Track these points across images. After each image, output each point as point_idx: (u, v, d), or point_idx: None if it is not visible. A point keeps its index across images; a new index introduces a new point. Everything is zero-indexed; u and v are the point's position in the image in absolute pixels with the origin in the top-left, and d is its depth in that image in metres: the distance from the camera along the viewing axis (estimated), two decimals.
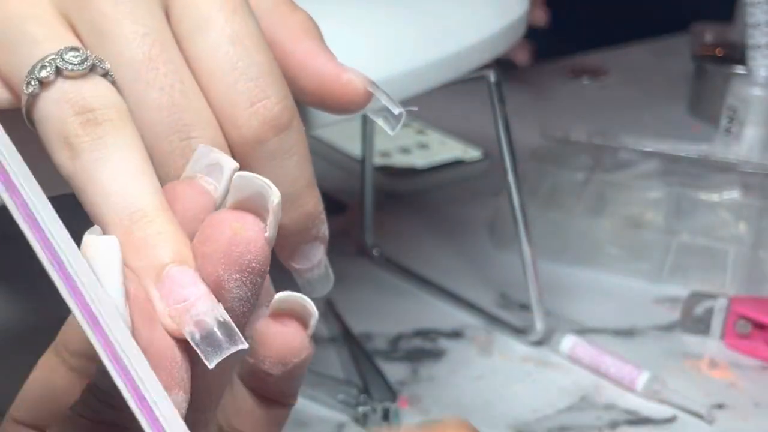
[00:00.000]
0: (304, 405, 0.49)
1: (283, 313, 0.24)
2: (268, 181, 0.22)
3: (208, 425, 0.25)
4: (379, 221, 0.65)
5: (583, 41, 1.06)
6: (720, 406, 0.51)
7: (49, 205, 0.22)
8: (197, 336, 0.22)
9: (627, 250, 0.64)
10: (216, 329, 0.22)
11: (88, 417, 0.22)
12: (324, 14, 0.29)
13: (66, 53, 0.24)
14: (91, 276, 0.21)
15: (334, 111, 0.29)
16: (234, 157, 0.26)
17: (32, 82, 0.23)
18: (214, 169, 0.24)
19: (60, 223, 0.21)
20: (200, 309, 0.22)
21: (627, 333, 0.58)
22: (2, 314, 0.53)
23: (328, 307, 0.56)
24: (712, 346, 0.56)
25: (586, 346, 0.54)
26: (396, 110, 0.28)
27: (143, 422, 0.20)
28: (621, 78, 1.01)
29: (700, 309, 0.57)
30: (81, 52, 0.24)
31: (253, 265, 0.22)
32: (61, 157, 0.23)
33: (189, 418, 0.22)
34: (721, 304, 0.56)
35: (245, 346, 0.22)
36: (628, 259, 0.63)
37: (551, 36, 0.91)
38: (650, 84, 0.99)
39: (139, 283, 0.22)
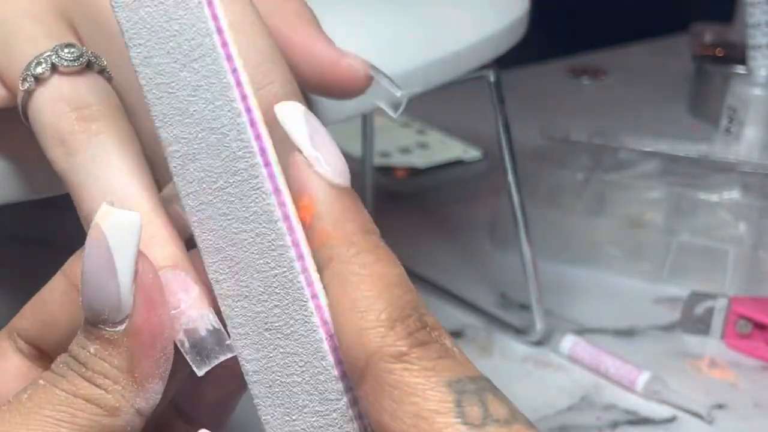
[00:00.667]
0: None
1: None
2: None
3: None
4: (379, 221, 0.65)
5: (583, 41, 1.06)
6: (720, 406, 0.51)
7: None
8: (186, 344, 0.22)
9: (627, 250, 0.63)
10: (206, 337, 0.22)
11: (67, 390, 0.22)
12: (324, 14, 0.29)
13: (62, 50, 0.23)
14: None
15: (335, 96, 0.28)
16: None
17: (28, 79, 0.23)
18: None
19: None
20: (191, 316, 0.22)
21: (627, 333, 0.58)
22: (2, 314, 0.53)
23: None
24: (712, 346, 0.56)
25: (586, 346, 0.54)
26: (398, 93, 0.28)
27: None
28: (621, 78, 1.01)
29: (700, 309, 0.57)
30: (77, 48, 0.24)
31: None
32: (56, 153, 0.23)
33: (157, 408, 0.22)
34: (721, 304, 0.56)
35: (235, 353, 0.22)
36: (628, 259, 0.63)
37: (551, 36, 0.91)
38: (650, 84, 0.99)
39: (148, 266, 0.21)
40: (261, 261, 0.21)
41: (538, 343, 0.55)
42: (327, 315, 0.21)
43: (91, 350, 0.21)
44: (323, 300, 0.21)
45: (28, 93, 0.24)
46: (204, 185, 0.22)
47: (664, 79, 0.99)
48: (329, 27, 0.29)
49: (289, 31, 0.27)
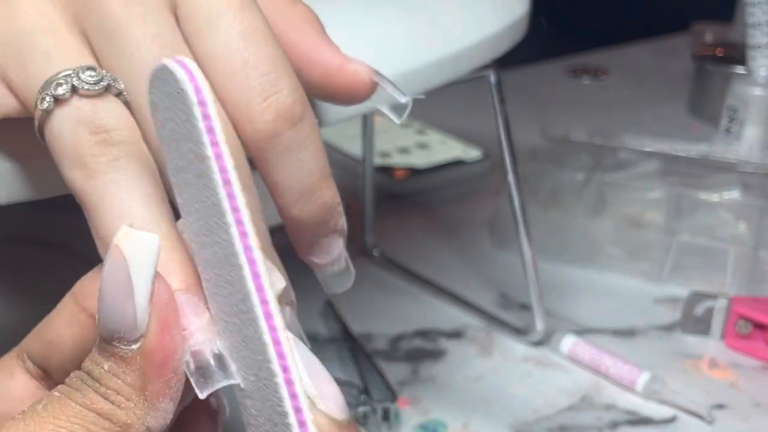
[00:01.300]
0: None
1: None
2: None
3: None
4: (379, 221, 0.65)
5: (583, 41, 1.06)
6: (720, 406, 0.51)
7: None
8: (192, 366, 0.22)
9: (627, 250, 0.63)
10: (211, 361, 0.22)
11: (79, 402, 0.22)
12: (324, 15, 0.29)
13: (83, 72, 0.24)
14: None
15: (340, 102, 0.29)
16: (249, 152, 0.26)
17: (47, 99, 0.24)
18: None
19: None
20: (198, 339, 0.22)
21: (627, 333, 0.58)
22: (2, 314, 0.53)
23: (328, 307, 0.56)
24: (712, 346, 0.56)
25: (586, 346, 0.54)
26: (402, 99, 0.28)
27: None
28: (621, 78, 1.01)
29: (700, 309, 0.57)
30: (97, 72, 0.24)
31: None
32: (74, 174, 0.24)
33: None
34: (721, 304, 0.56)
35: (237, 381, 0.22)
36: (628, 259, 0.63)
37: (551, 36, 0.91)
38: (650, 84, 0.99)
39: (165, 287, 0.22)
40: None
41: (539, 343, 0.55)
42: None
43: (105, 367, 0.22)
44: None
45: (47, 113, 0.24)
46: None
47: (664, 79, 0.99)
48: (330, 28, 0.29)
49: (295, 37, 0.27)
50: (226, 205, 0.21)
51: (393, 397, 0.48)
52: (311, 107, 0.26)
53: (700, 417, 0.50)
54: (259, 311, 0.21)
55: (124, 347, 0.21)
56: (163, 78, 0.21)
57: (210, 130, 0.20)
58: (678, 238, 0.62)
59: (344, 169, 0.74)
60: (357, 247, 0.64)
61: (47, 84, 0.24)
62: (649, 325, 0.58)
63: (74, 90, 0.24)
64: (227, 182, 0.21)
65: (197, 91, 0.20)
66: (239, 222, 0.21)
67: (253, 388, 0.22)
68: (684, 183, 0.65)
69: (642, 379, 0.51)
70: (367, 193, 0.64)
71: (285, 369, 0.21)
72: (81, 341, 0.24)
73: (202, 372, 0.22)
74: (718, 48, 0.88)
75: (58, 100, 0.24)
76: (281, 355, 0.21)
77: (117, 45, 0.24)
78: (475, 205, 0.72)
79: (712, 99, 0.85)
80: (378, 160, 0.73)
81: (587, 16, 1.05)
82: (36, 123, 0.24)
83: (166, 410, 0.22)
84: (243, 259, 0.21)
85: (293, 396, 0.21)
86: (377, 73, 0.28)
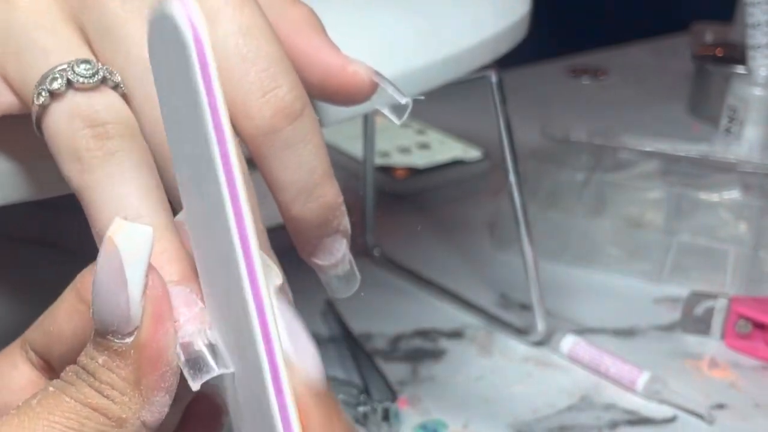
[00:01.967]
0: None
1: None
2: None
3: None
4: (379, 221, 0.65)
5: (583, 41, 1.06)
6: (720, 406, 0.51)
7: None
8: (182, 357, 0.22)
9: (627, 250, 0.63)
10: (202, 351, 0.22)
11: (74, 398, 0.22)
12: (325, 15, 0.29)
13: (78, 65, 0.24)
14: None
15: (340, 102, 0.29)
16: (248, 149, 0.25)
17: (43, 93, 0.24)
18: None
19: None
20: (188, 330, 0.22)
21: (627, 333, 0.58)
22: (2, 314, 0.53)
23: (328, 307, 0.56)
24: (712, 346, 0.56)
25: (586, 346, 0.54)
26: (402, 99, 0.28)
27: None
28: (621, 78, 1.01)
29: (700, 309, 0.57)
30: (92, 64, 0.24)
31: None
32: (72, 169, 0.24)
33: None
34: (721, 304, 0.56)
35: (230, 369, 0.22)
36: (628, 259, 0.63)
37: (551, 36, 0.91)
38: (650, 84, 0.99)
39: (158, 280, 0.22)
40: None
41: (539, 343, 0.55)
42: None
43: (100, 361, 0.22)
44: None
45: (43, 107, 0.24)
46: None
47: (664, 79, 0.99)
48: (330, 29, 0.29)
49: (296, 38, 0.27)
50: (216, 154, 0.20)
51: (393, 397, 0.48)
52: (316, 111, 0.26)
53: (700, 417, 0.50)
54: (244, 275, 0.20)
55: (118, 341, 0.21)
56: (159, 21, 0.20)
57: (206, 79, 0.20)
58: (678, 238, 0.62)
59: (344, 169, 0.74)
60: (357, 247, 0.64)
61: (43, 79, 0.24)
62: (649, 325, 0.58)
63: (69, 84, 0.24)
64: (220, 131, 0.20)
65: (197, 39, 0.20)
66: (229, 172, 0.20)
67: (241, 373, 0.22)
68: (684, 183, 0.65)
69: (642, 379, 0.51)
70: (368, 193, 0.64)
71: (269, 344, 0.21)
72: (81, 333, 0.24)
73: (193, 363, 0.22)
74: (718, 48, 0.88)
75: (53, 95, 0.24)
76: (264, 322, 0.21)
77: (115, 41, 0.24)
78: (475, 205, 0.72)
79: (712, 99, 0.85)
80: (378, 160, 0.73)
81: (587, 16, 1.05)
82: (33, 118, 0.24)
83: (161, 404, 0.22)
84: (229, 207, 0.20)
85: (273, 365, 0.21)
86: (377, 73, 0.28)
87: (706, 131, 0.84)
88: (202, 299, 0.23)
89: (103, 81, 0.24)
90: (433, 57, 0.37)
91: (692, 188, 0.64)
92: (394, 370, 0.52)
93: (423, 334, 0.57)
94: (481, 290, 0.61)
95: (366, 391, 0.49)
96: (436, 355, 0.55)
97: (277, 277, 0.24)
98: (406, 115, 0.29)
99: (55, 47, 0.24)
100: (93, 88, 0.24)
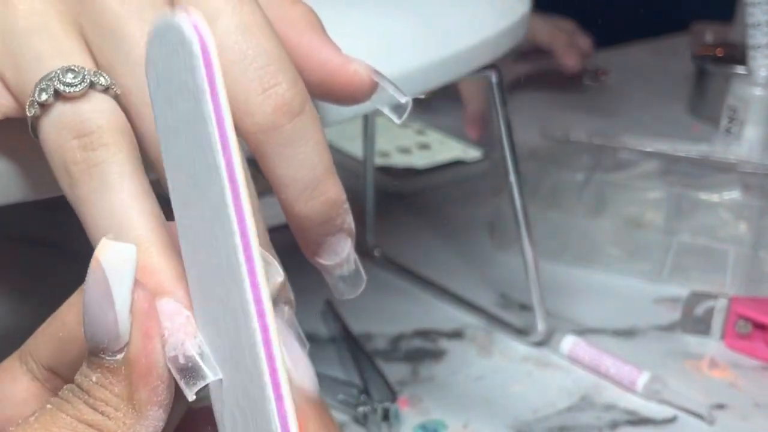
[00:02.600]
0: None
1: None
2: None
3: None
4: (379, 221, 0.65)
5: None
6: (720, 406, 0.51)
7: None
8: (173, 370, 0.22)
9: (627, 250, 0.64)
10: (194, 359, 0.22)
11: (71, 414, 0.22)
12: (325, 15, 0.29)
13: (63, 74, 0.24)
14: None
15: (341, 102, 0.29)
16: (249, 147, 0.25)
17: (34, 105, 0.24)
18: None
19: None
20: (179, 338, 0.22)
21: (627, 333, 0.58)
22: (2, 314, 0.53)
23: (328, 307, 0.56)
24: (712, 346, 0.56)
25: (586, 346, 0.54)
26: (402, 99, 0.28)
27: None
28: (621, 78, 1.01)
29: (700, 309, 0.57)
30: (77, 71, 0.24)
31: None
32: (63, 183, 0.24)
33: None
34: (721, 304, 0.56)
35: (220, 376, 0.22)
36: (628, 259, 0.63)
37: None
38: (650, 84, 0.99)
39: (144, 295, 0.22)
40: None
41: (539, 343, 0.55)
42: None
43: (94, 378, 0.22)
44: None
45: (35, 119, 0.24)
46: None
47: (664, 79, 0.99)
48: (330, 29, 0.29)
49: (296, 37, 0.27)
50: (221, 160, 0.20)
51: (393, 397, 0.48)
52: (317, 109, 0.26)
53: (700, 417, 0.50)
54: (245, 278, 0.20)
55: (109, 358, 0.22)
56: (164, 31, 0.20)
57: (212, 87, 0.20)
58: (678, 238, 0.62)
59: (344, 169, 0.74)
60: (357, 247, 0.63)
61: (34, 89, 0.24)
62: (649, 325, 0.58)
63: (57, 94, 0.24)
64: (224, 138, 0.20)
65: (203, 48, 0.20)
66: (233, 179, 0.20)
67: (233, 381, 0.22)
68: (684, 183, 0.65)
69: (642, 379, 0.51)
70: (368, 193, 0.64)
71: (269, 349, 0.21)
72: None
73: (185, 372, 0.22)
74: (718, 48, 0.88)
75: (43, 106, 0.24)
76: (265, 327, 0.21)
77: (114, 42, 0.24)
78: (475, 205, 0.72)
79: (712, 99, 0.85)
80: (378, 160, 0.73)
81: (587, 16, 1.05)
82: (30, 129, 0.24)
83: (155, 418, 0.22)
84: (232, 212, 0.20)
85: (274, 376, 0.21)
86: (378, 73, 0.28)
87: (706, 131, 0.84)
88: (189, 307, 0.23)
89: (91, 86, 0.24)
90: (433, 57, 0.37)
91: (692, 188, 0.64)
92: (394, 370, 0.52)
93: (423, 334, 0.57)
94: (481, 290, 0.61)
95: (366, 391, 0.49)
96: (436, 355, 0.55)
97: (278, 275, 0.24)
98: (406, 115, 0.29)
99: (50, 52, 0.24)
100: (80, 96, 0.24)
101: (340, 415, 0.49)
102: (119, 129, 0.24)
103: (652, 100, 0.94)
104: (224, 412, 0.23)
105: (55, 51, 0.24)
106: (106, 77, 0.24)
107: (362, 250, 0.64)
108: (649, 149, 0.70)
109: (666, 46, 1.08)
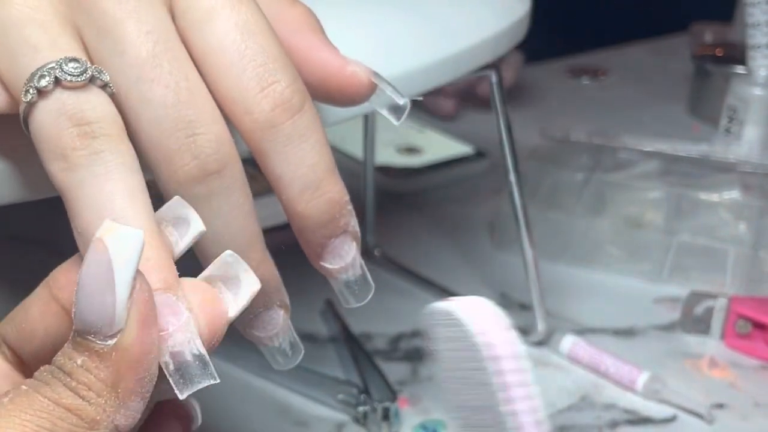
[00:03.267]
0: (304, 405, 0.49)
1: None
2: (250, 270, 0.23)
3: None
4: (379, 221, 0.65)
5: (583, 41, 1.06)
6: (720, 406, 0.51)
7: None
8: (171, 366, 0.22)
9: (627, 250, 0.64)
10: (191, 362, 0.22)
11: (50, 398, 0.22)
12: (325, 15, 0.29)
13: (66, 64, 0.24)
14: None
15: (339, 103, 0.28)
16: (249, 146, 0.25)
17: (31, 91, 0.24)
18: (180, 223, 0.24)
19: None
20: (177, 340, 0.22)
21: (627, 333, 0.58)
22: (2, 314, 0.53)
23: (328, 307, 0.56)
24: (712, 346, 0.56)
25: (586, 346, 0.54)
26: (401, 100, 0.28)
27: None
28: (621, 78, 1.01)
29: (700, 309, 0.57)
30: (81, 63, 0.24)
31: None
32: (56, 167, 0.24)
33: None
34: (721, 304, 0.56)
35: (217, 380, 0.22)
36: (628, 259, 0.63)
37: (551, 36, 0.91)
38: (650, 84, 0.99)
39: (145, 284, 0.22)
40: None
41: (539, 343, 0.55)
42: None
43: (78, 361, 0.21)
44: None
45: (30, 104, 0.24)
46: None
47: (664, 79, 0.99)
48: (330, 29, 0.29)
49: (294, 39, 0.27)
50: None
51: (393, 397, 0.48)
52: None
53: (700, 417, 0.50)
54: None
55: (99, 342, 0.21)
56: (445, 318, 0.20)
57: (505, 386, 0.20)
58: (678, 238, 0.62)
59: (345, 170, 0.73)
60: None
61: (32, 76, 0.24)
62: (649, 325, 0.58)
63: (57, 82, 0.23)
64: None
65: (489, 345, 0.20)
66: None
67: None
68: (684, 183, 0.65)
69: (642, 378, 0.51)
70: (368, 193, 0.64)
71: None
72: (55, 332, 0.24)
73: (182, 373, 0.22)
74: (717, 48, 0.88)
75: (41, 92, 0.24)
76: None
77: (110, 40, 0.24)
78: (475, 205, 0.72)
79: (711, 99, 0.85)
80: (378, 160, 0.73)
81: (587, 16, 1.05)
82: (21, 115, 0.24)
83: (135, 409, 0.22)
84: None
85: None
86: (376, 74, 0.28)
87: (706, 131, 0.84)
88: (188, 307, 0.23)
89: (92, 80, 0.24)
90: (433, 57, 0.37)
91: (692, 188, 0.64)
92: (394, 370, 0.52)
93: (423, 334, 0.56)
94: (481, 290, 0.61)
95: (366, 391, 0.49)
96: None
97: (254, 283, 0.24)
98: (404, 116, 0.29)
99: (46, 44, 0.24)
100: (81, 87, 0.24)
101: (340, 415, 0.49)
102: (119, 124, 0.24)
103: (652, 100, 0.94)
104: None
105: (51, 44, 0.24)
106: (106, 75, 0.24)
107: (362, 250, 0.63)
108: (648, 149, 0.70)
109: (666, 46, 1.08)
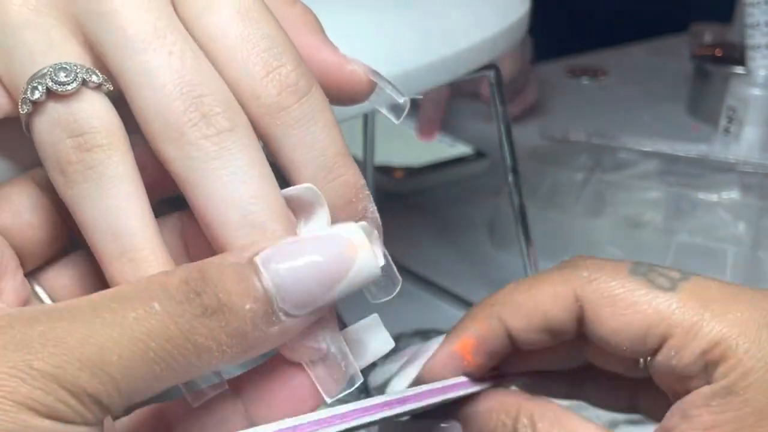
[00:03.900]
0: None
1: None
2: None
3: None
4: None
5: (583, 41, 1.06)
6: None
7: None
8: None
9: (626, 250, 0.64)
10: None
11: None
12: (323, 15, 0.29)
13: (56, 73, 0.23)
14: None
15: (339, 102, 0.28)
16: (259, 134, 0.25)
17: (26, 103, 0.24)
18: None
19: None
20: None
21: None
22: None
23: None
24: None
25: None
26: (401, 99, 0.28)
27: None
28: (621, 78, 1.01)
29: None
30: (69, 69, 0.24)
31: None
32: (57, 180, 0.24)
33: None
34: None
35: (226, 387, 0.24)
36: (628, 258, 0.63)
37: (551, 36, 0.91)
38: (650, 84, 0.99)
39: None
40: None
41: None
42: None
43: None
44: None
45: (28, 116, 0.24)
46: None
47: (663, 79, 0.99)
48: (329, 28, 0.29)
49: (294, 38, 0.27)
50: None
51: None
52: None
53: None
54: None
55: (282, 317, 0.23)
56: None
57: None
58: (677, 238, 0.62)
59: None
60: None
61: (26, 87, 0.24)
62: None
63: (49, 92, 0.23)
64: None
65: None
66: None
67: None
68: (683, 183, 0.65)
69: None
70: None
71: None
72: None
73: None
74: (717, 48, 0.88)
75: (35, 104, 0.24)
76: None
77: (112, 35, 0.24)
78: (474, 205, 0.72)
79: (711, 99, 0.85)
80: (378, 160, 0.73)
81: (587, 16, 1.05)
82: (23, 126, 0.24)
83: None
84: None
85: None
86: (376, 73, 0.28)
87: (705, 131, 0.84)
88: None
89: (84, 84, 0.24)
90: (433, 57, 0.37)
91: (691, 188, 0.64)
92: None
93: (423, 334, 0.57)
94: (481, 290, 0.61)
95: (366, 390, 0.49)
96: None
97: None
98: (404, 115, 0.29)
99: (42, 48, 0.24)
100: (73, 95, 0.24)
101: None
102: (113, 128, 0.24)
103: (652, 100, 0.94)
104: None
105: (47, 46, 0.24)
106: (98, 74, 0.24)
107: None
108: (648, 149, 0.70)
109: (665, 46, 1.08)
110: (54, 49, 0.24)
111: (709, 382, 0.27)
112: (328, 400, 0.25)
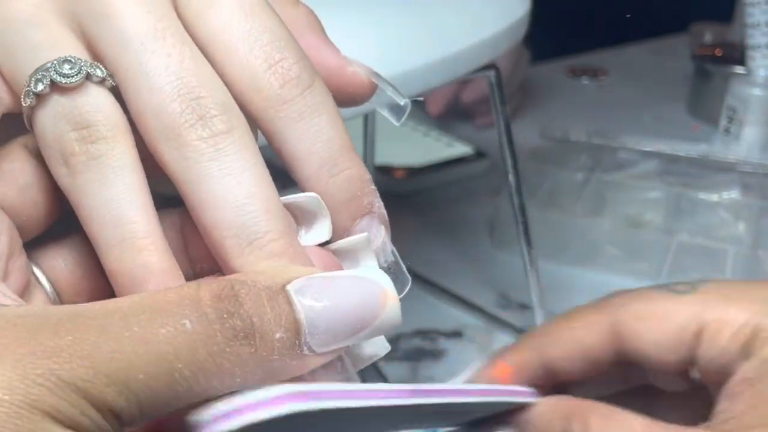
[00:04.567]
0: None
1: None
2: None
3: None
4: None
5: (583, 41, 1.06)
6: None
7: None
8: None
9: (626, 250, 0.64)
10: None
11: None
12: (325, 16, 0.29)
13: (60, 65, 0.24)
14: None
15: (339, 103, 0.28)
16: (261, 129, 0.25)
17: (30, 95, 0.24)
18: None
19: None
20: None
21: None
22: None
23: None
24: None
25: None
26: (401, 100, 0.28)
27: None
28: (621, 78, 1.01)
29: None
30: (74, 62, 0.24)
31: None
32: (59, 172, 0.24)
33: None
34: None
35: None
36: (628, 259, 0.63)
37: (551, 36, 0.91)
38: (650, 84, 0.99)
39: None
40: None
41: None
42: None
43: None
44: None
45: (31, 109, 0.24)
46: None
47: (663, 79, 0.99)
48: (330, 29, 0.29)
49: (295, 37, 0.27)
50: None
51: None
52: None
53: None
54: None
55: (307, 344, 0.22)
56: None
57: None
58: (677, 238, 0.62)
59: None
60: None
61: (29, 80, 0.24)
62: None
63: (53, 85, 0.24)
64: None
65: None
66: None
67: None
68: (683, 183, 0.65)
69: None
70: None
71: None
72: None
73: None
74: (717, 48, 0.88)
75: (39, 97, 0.24)
76: None
77: (113, 36, 0.24)
78: (475, 205, 0.72)
79: (711, 99, 0.85)
80: (378, 160, 0.73)
81: (586, 16, 1.05)
82: (25, 119, 0.24)
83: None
84: None
85: None
86: (376, 74, 0.28)
87: (706, 131, 0.84)
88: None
89: (88, 78, 0.24)
90: (433, 57, 0.37)
91: (691, 188, 0.64)
92: (394, 370, 0.53)
93: (423, 334, 0.57)
94: (480, 290, 0.61)
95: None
96: (436, 355, 0.55)
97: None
98: (405, 116, 0.29)
99: (45, 44, 0.24)
100: (77, 88, 0.24)
101: None
102: (117, 121, 0.24)
103: (652, 100, 0.94)
104: None
105: (50, 42, 0.24)
106: (102, 69, 0.24)
107: None
108: (648, 149, 0.70)
109: (665, 46, 1.08)
110: (57, 45, 0.24)
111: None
112: None
